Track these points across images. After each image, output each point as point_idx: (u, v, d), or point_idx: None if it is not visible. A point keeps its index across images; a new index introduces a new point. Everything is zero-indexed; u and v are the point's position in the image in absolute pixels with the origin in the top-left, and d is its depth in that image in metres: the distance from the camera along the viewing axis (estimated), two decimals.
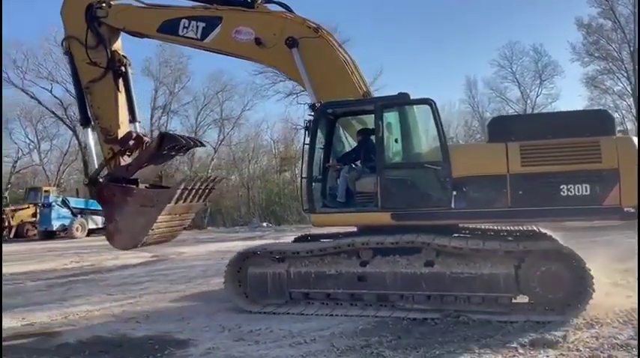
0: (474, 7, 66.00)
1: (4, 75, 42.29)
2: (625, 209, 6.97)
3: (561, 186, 7.17)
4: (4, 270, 14.01)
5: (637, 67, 36.84)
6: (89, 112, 9.01)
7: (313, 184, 8.11)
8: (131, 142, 8.90)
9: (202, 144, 9.52)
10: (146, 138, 9.05)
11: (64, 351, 6.23)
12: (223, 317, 7.62)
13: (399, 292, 7.44)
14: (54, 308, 8.89)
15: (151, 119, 47.66)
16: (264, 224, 37.52)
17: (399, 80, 59.53)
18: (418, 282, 7.32)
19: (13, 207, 34.09)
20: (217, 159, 47.90)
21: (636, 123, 34.48)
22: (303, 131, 8.33)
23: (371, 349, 5.73)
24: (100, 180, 8.82)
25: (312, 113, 8.09)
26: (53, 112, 44.91)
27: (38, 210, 32.80)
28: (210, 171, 45.59)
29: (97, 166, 9.02)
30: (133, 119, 9.23)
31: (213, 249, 19.91)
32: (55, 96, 44.31)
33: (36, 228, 33.02)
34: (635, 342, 5.62)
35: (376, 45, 63.70)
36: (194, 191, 8.72)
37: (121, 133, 8.91)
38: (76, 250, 20.88)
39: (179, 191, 8.40)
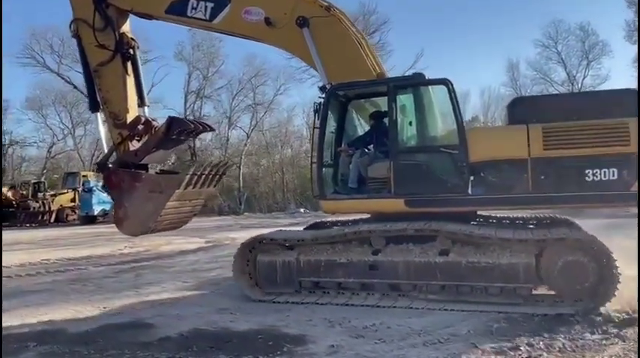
0: None
1: (40, 59, 43.07)
2: None
3: (586, 171, 6.78)
4: (61, 255, 14.46)
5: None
6: (98, 97, 8.82)
7: (324, 169, 7.81)
8: (140, 127, 8.66)
9: (212, 129, 9.27)
10: (155, 123, 8.81)
11: (169, 346, 5.72)
12: (323, 309, 7.06)
13: (413, 282, 7.14)
14: (132, 296, 8.64)
15: (185, 104, 48.03)
16: (302, 210, 37.24)
17: (439, 63, 59.18)
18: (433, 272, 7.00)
19: (52, 192, 34.37)
20: (250, 145, 47.81)
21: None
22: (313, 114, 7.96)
23: (525, 353, 5.15)
24: (110, 165, 8.62)
25: (322, 95, 7.77)
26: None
27: (78, 195, 33.07)
28: (243, 156, 45.80)
29: (106, 151, 8.83)
30: (141, 103, 9.00)
31: None
32: None
33: (75, 212, 33.28)
34: None
35: (414, 27, 62.96)
36: (204, 176, 8.47)
37: (129, 118, 8.69)
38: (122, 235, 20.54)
39: (188, 176, 8.15)
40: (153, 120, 8.87)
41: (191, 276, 10.48)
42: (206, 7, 8.55)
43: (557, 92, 43.28)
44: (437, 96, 7.66)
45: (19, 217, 32.04)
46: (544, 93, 43.73)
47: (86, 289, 9.41)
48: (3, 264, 12.25)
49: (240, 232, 19.85)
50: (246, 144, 46.83)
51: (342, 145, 8.25)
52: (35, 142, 48.47)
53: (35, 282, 10.32)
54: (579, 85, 44.43)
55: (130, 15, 9.02)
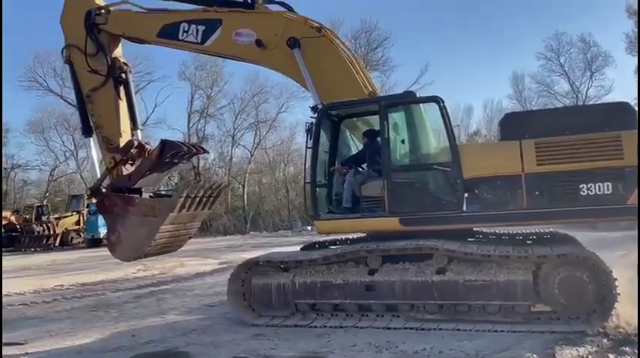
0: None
1: (43, 82, 43.47)
2: None
3: (581, 186, 6.71)
4: (74, 280, 14.16)
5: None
6: (91, 121, 8.83)
7: (317, 189, 7.75)
8: (133, 151, 8.65)
9: (205, 151, 9.26)
10: (148, 146, 8.79)
11: None
12: (362, 332, 6.78)
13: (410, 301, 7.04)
14: (159, 323, 8.31)
15: (188, 124, 48.13)
16: (309, 228, 37.06)
17: (443, 77, 59.39)
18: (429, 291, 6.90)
19: (56, 215, 34.31)
20: (253, 163, 47.85)
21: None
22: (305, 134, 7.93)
23: None
24: (103, 189, 8.59)
25: (314, 115, 7.74)
26: None
27: (82, 218, 33.04)
28: (247, 175, 45.82)
29: (99, 176, 8.81)
30: (134, 127, 9.00)
31: None
32: None
33: (80, 235, 33.15)
34: None
35: (418, 41, 63.35)
36: (198, 199, 8.43)
37: (122, 142, 8.70)
38: None
39: (182, 199, 8.10)
40: (146, 143, 8.86)
41: (214, 300, 10.14)
42: (197, 30, 8.58)
43: (561, 104, 43.45)
44: (429, 113, 7.62)
45: (24, 241, 32.01)
46: (548, 105, 43.88)
47: (109, 316, 9.17)
48: (16, 291, 12.38)
49: (253, 252, 19.71)
50: (249, 163, 46.89)
51: (336, 164, 8.18)
52: (37, 166, 48.60)
53: (54, 310, 10.03)
54: (583, 97, 44.53)
55: (122, 40, 9.03)
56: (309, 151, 7.72)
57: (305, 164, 7.94)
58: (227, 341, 6.79)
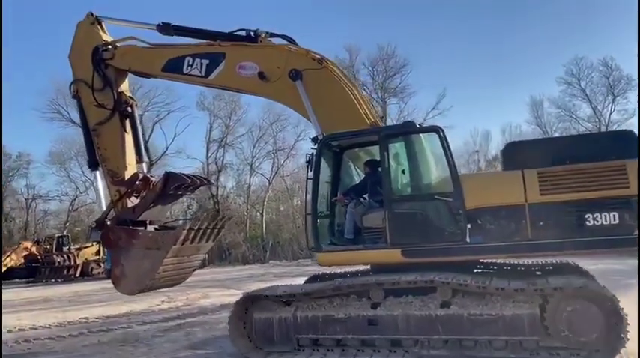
0: (531, 25, 64.85)
1: (65, 113, 44.31)
2: None
3: (586, 216, 6.54)
4: (98, 312, 14.06)
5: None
6: (97, 155, 8.93)
7: (318, 220, 7.67)
8: (138, 183, 8.73)
9: (210, 183, 9.29)
10: (153, 179, 8.86)
11: None
12: None
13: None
14: None
15: (207, 153, 48.61)
16: None
17: (461, 102, 59.26)
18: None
19: (77, 246, 34.55)
20: (271, 191, 47.96)
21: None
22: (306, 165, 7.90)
23: None
24: (108, 222, 8.63)
25: (315, 146, 7.71)
26: None
27: (102, 248, 33.11)
28: (265, 203, 45.90)
29: (104, 209, 8.86)
30: (139, 159, 9.08)
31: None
32: None
33: (101, 265, 33.12)
34: None
35: (436, 67, 63.61)
36: (201, 231, 8.42)
37: (127, 175, 8.78)
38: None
39: (184, 232, 8.11)
40: (151, 176, 8.93)
41: None
42: (201, 64, 8.67)
43: (584, 129, 43.04)
44: (430, 143, 7.54)
45: (44, 272, 32.03)
46: (570, 130, 43.51)
47: (139, 351, 8.97)
48: (42, 324, 12.40)
49: (276, 282, 19.56)
50: (267, 191, 47.01)
51: (338, 195, 8.12)
52: (58, 196, 49.25)
53: (82, 344, 9.88)
54: (606, 121, 44.01)
55: (129, 74, 9.17)
56: (310, 182, 7.67)
57: (306, 195, 7.88)
58: None
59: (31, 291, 24.61)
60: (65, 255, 32.70)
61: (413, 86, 48.41)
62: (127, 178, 8.75)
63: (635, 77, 42.37)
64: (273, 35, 8.71)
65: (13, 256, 33.34)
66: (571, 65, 45.32)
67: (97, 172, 9.11)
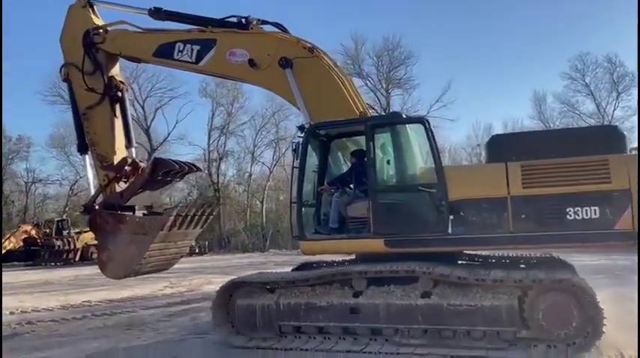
0: (536, 19, 64.49)
1: (66, 97, 43.98)
2: None
3: (567, 209, 6.56)
4: (100, 296, 13.92)
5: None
6: (86, 139, 8.95)
7: (303, 209, 7.70)
8: (127, 168, 8.77)
9: (199, 169, 9.30)
10: (142, 164, 8.90)
11: None
12: None
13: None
14: (200, 344, 7.89)
15: (209, 140, 48.64)
16: None
17: (464, 95, 58.86)
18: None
19: (77, 230, 34.53)
20: (272, 181, 48.01)
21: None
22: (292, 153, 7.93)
23: None
24: (96, 207, 8.68)
25: (301, 134, 7.73)
26: None
27: None
28: (266, 192, 45.94)
29: (93, 193, 8.91)
30: (129, 144, 9.10)
31: None
32: None
33: None
34: None
35: (441, 59, 63.48)
36: (189, 217, 8.46)
37: (116, 159, 8.81)
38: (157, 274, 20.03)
39: (172, 218, 8.16)
40: (140, 161, 8.95)
41: None
42: (192, 49, 8.66)
43: (587, 124, 42.89)
44: (414, 134, 7.55)
45: (44, 256, 32.21)
46: (573, 125, 43.31)
47: (145, 335, 8.76)
48: (44, 307, 12.38)
49: (279, 270, 19.47)
50: (268, 180, 47.09)
51: (325, 184, 8.14)
52: (58, 180, 49.33)
53: (86, 327, 9.71)
54: (610, 117, 43.83)
55: (119, 59, 9.18)
56: (296, 171, 7.69)
57: (291, 184, 7.90)
58: None
59: (30, 274, 24.60)
60: (65, 239, 32.73)
61: (417, 78, 48.25)
62: (115, 163, 8.78)
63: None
64: (264, 22, 8.70)
65: (12, 239, 33.52)
66: (576, 60, 45.26)
67: (87, 156, 9.13)
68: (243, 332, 7.58)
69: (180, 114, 55.47)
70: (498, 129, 49.88)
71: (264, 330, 7.44)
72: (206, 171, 48.21)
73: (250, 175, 49.02)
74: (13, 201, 46.66)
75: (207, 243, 42.50)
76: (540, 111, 47.85)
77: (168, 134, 48.41)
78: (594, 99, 45.26)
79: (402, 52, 47.51)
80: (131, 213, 8.59)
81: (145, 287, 15.73)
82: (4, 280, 21.68)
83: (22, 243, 33.69)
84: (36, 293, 15.54)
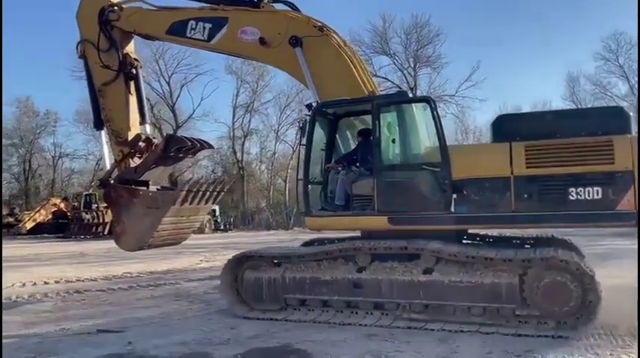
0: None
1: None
2: None
3: (570, 190, 6.56)
4: (140, 268, 14.02)
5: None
6: (102, 115, 9.18)
7: (310, 186, 7.82)
8: (141, 144, 8.99)
9: (210, 146, 9.46)
10: (155, 141, 9.12)
11: None
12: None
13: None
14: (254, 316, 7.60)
15: (233, 118, 48.94)
16: None
17: (495, 75, 57.78)
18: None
19: (105, 204, 35.15)
20: (295, 159, 48.14)
21: None
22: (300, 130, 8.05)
23: None
24: (111, 181, 8.93)
25: (309, 113, 7.83)
26: None
27: None
28: (289, 170, 46.17)
29: (108, 168, 9.16)
30: (142, 121, 9.32)
31: None
32: None
33: None
34: None
35: (470, 38, 62.74)
36: (200, 193, 8.68)
37: (130, 135, 9.03)
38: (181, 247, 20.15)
39: (183, 193, 8.40)
40: (153, 137, 9.17)
41: None
42: (204, 27, 8.78)
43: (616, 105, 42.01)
44: (420, 113, 7.59)
45: (74, 229, 33.06)
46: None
47: (197, 306, 8.73)
48: (87, 277, 12.59)
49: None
50: (291, 159, 47.34)
51: (332, 162, 8.25)
52: (84, 155, 50.18)
53: (135, 297, 9.78)
54: None
55: (134, 36, 9.35)
56: (303, 148, 7.81)
57: (298, 161, 8.03)
58: (341, 340, 6.29)
59: (63, 246, 25.35)
60: (94, 213, 33.47)
61: (446, 56, 47.73)
62: (130, 139, 9.01)
63: None
64: (275, 1, 8.76)
65: (42, 212, 34.51)
66: (610, 40, 44.19)
67: (102, 132, 9.38)
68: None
69: (206, 91, 55.86)
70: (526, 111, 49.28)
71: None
72: (230, 149, 48.69)
73: (274, 154, 49.32)
74: (40, 175, 47.73)
75: (231, 219, 43.14)
76: (573, 92, 47.04)
77: (194, 111, 48.91)
78: (628, 81, 44.24)
79: (431, 30, 46.99)
80: (145, 188, 8.83)
81: (181, 260, 15.95)
82: (39, 250, 22.52)
83: (51, 216, 34.55)
84: (74, 264, 15.87)
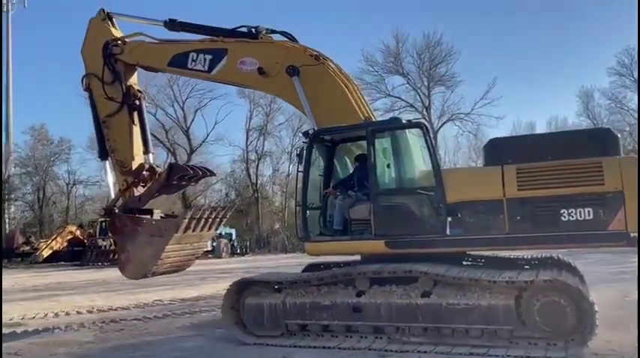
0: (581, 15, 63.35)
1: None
2: (632, 234, 6.31)
3: (561, 211, 6.64)
4: (169, 295, 13.76)
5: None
6: (107, 145, 9.43)
7: (308, 212, 7.96)
8: (145, 173, 9.19)
9: (212, 174, 9.66)
10: (159, 169, 9.32)
11: None
12: None
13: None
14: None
15: (247, 141, 49.31)
16: None
17: (510, 91, 57.50)
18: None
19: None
20: (294, 186, 48.28)
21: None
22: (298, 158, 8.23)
23: None
24: (116, 210, 9.14)
25: (306, 140, 8.00)
26: (154, 135, 47.27)
27: None
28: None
29: (113, 197, 9.37)
30: (146, 151, 9.54)
31: None
32: (157, 120, 46.25)
33: None
34: None
35: (485, 57, 62.94)
36: (203, 220, 8.83)
37: (134, 165, 9.25)
38: (204, 273, 20.38)
39: (186, 221, 8.54)
40: (157, 166, 9.38)
41: None
42: (205, 59, 9.04)
43: (635, 120, 41.85)
44: (415, 138, 7.72)
45: (90, 256, 32.78)
46: (622, 122, 42.42)
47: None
48: (118, 305, 12.43)
49: None
50: (287, 185, 47.45)
51: (330, 187, 8.39)
52: (97, 182, 50.48)
53: (174, 326, 9.52)
54: None
55: (137, 68, 9.64)
56: (301, 175, 7.96)
57: (296, 187, 8.18)
58: None
59: (82, 274, 24.90)
60: (110, 240, 33.50)
61: (460, 75, 47.89)
62: (134, 168, 9.23)
63: None
64: (273, 32, 9.01)
65: (59, 239, 34.60)
66: (623, 55, 44.15)
67: (107, 162, 9.62)
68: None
69: (219, 116, 56.44)
70: (542, 128, 49.31)
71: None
72: (244, 171, 48.97)
73: (288, 175, 49.52)
74: (54, 203, 48.06)
75: (247, 243, 43.20)
76: (588, 108, 46.89)
77: (207, 135, 49.38)
78: None
79: (443, 49, 47.24)
80: (148, 216, 9.02)
81: (206, 286, 15.76)
82: (59, 278, 22.37)
83: (66, 244, 34.77)
84: (101, 293, 15.52)
